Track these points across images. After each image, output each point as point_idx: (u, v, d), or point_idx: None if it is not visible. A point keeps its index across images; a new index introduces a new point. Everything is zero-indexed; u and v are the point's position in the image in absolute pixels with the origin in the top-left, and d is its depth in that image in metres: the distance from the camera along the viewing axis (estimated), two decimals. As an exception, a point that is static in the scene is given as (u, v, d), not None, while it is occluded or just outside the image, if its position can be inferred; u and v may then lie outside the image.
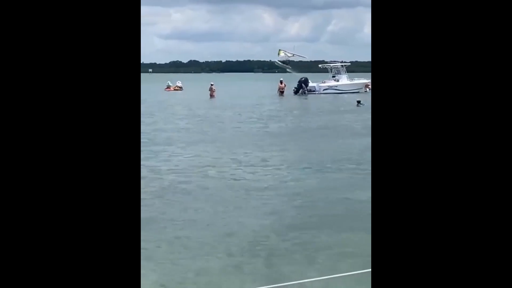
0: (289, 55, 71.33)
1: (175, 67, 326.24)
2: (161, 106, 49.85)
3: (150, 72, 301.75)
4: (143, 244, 4.95)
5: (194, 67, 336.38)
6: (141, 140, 24.25)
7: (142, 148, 23.69)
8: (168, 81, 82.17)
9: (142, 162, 19.67)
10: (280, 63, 70.39)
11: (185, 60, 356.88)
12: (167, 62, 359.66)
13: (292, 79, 72.17)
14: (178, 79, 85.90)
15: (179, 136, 27.83)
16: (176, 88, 79.61)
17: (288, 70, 71.92)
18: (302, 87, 69.37)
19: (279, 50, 71.42)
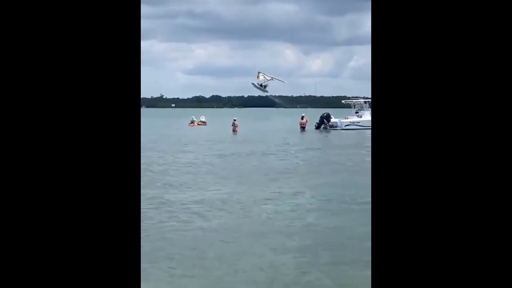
0: (267, 78, 71.00)
1: (198, 102, 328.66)
2: (185, 140, 50.05)
3: (173, 107, 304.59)
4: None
5: (216, 102, 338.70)
6: (168, 173, 23.56)
7: (168, 181, 23.97)
8: (193, 116, 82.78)
9: (168, 195, 19.97)
10: (257, 85, 70.13)
11: (207, 95, 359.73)
12: (190, 97, 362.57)
13: (315, 114, 72.22)
14: (201, 114, 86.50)
15: (205, 170, 27.73)
16: (200, 123, 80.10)
17: (265, 92, 71.65)
18: (324, 123, 69.25)
19: (258, 72, 71.24)
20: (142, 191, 19.53)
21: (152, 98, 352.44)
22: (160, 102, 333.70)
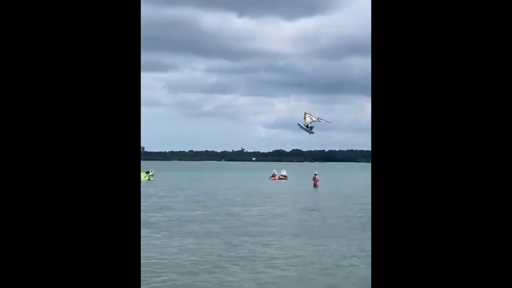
0: (313, 119, 69.42)
1: (278, 155, 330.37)
2: (267, 194, 50.30)
3: (254, 160, 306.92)
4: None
5: (297, 156, 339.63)
6: (252, 227, 22.87)
7: (255, 234, 24.08)
8: (274, 170, 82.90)
9: (257, 247, 20.08)
10: (303, 126, 68.07)
11: (288, 149, 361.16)
12: (270, 150, 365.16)
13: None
14: (281, 168, 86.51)
15: (290, 225, 27.92)
16: (281, 177, 79.72)
17: (311, 133, 69.22)
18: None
19: (305, 113, 69.15)
20: (231, 245, 19.65)
21: (232, 152, 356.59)
22: (240, 156, 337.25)
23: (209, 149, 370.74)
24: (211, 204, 37.14)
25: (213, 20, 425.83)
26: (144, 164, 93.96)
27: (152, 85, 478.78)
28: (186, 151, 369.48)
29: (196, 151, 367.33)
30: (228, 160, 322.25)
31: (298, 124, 67.21)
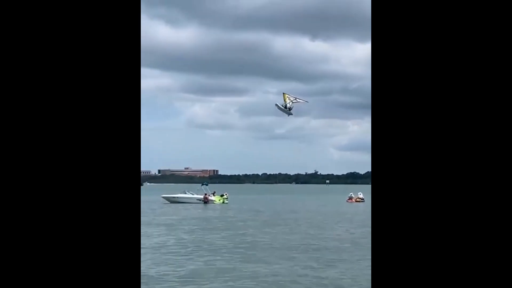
0: (292, 99, 64.61)
1: (352, 178, 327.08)
2: (346, 216, 48.37)
3: (328, 183, 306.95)
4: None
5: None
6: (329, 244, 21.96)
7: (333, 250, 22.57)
8: (351, 193, 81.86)
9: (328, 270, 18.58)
10: (281, 107, 63.13)
11: (362, 171, 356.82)
12: (344, 173, 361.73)
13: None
14: (356, 190, 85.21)
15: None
16: (358, 199, 78.85)
17: (290, 115, 63.93)
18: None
19: (283, 94, 64.35)
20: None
21: (306, 174, 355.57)
22: (314, 178, 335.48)
23: (283, 172, 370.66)
24: (301, 228, 35.60)
25: (285, 43, 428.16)
26: (218, 187, 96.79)
27: (224, 108, 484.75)
28: (260, 174, 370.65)
29: (270, 174, 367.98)
30: (301, 183, 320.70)
31: (276, 104, 62.79)
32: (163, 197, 71.50)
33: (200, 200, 68.25)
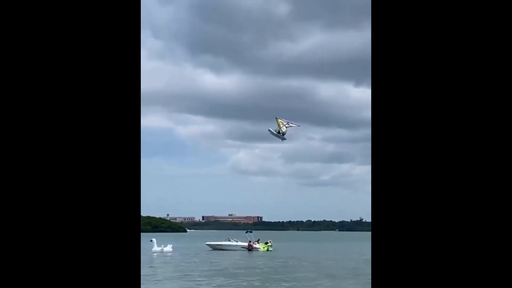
0: (285, 124, 61.68)
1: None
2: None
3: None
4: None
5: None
6: None
7: None
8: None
9: None
10: (274, 132, 60.34)
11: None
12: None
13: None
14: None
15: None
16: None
17: (283, 140, 60.96)
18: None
19: (276, 118, 61.68)
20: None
21: (351, 221, 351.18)
22: (359, 226, 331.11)
23: (327, 219, 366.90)
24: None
25: (329, 90, 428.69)
26: (262, 234, 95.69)
27: (268, 155, 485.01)
28: (304, 221, 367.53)
29: (314, 221, 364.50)
30: (346, 230, 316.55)
31: (269, 130, 60.60)
32: (207, 245, 70.96)
33: (244, 247, 67.50)
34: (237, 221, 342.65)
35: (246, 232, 74.67)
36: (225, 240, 72.15)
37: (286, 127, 57.80)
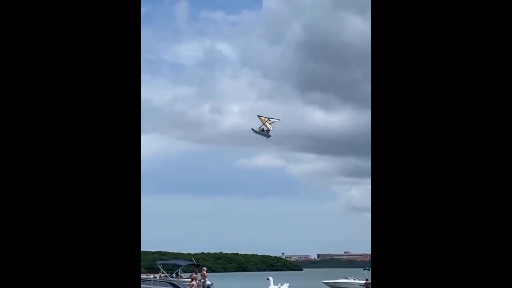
0: (266, 120, 54.95)
1: None
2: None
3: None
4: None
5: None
6: None
7: None
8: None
9: None
10: (257, 130, 54.06)
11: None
12: None
13: None
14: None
15: None
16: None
17: (268, 137, 54.33)
18: None
19: (258, 116, 55.15)
20: None
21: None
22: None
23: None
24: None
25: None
26: None
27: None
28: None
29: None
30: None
31: (252, 129, 55.18)
32: (324, 283, 69.77)
33: (362, 285, 65.79)
34: (353, 259, 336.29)
35: (364, 269, 72.90)
36: (342, 278, 70.73)
37: (270, 123, 53.91)
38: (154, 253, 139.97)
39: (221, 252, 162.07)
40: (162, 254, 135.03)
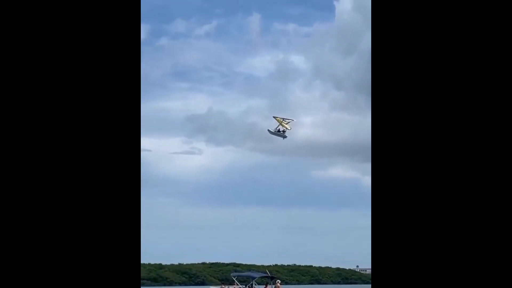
0: (282, 120, 51.48)
1: None
2: None
3: None
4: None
5: None
6: None
7: None
8: None
9: None
10: (273, 132, 51.09)
11: None
12: None
13: None
14: None
15: None
16: None
17: (284, 137, 51.03)
18: None
19: (274, 117, 52.17)
20: None
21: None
22: None
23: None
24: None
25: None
26: None
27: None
28: None
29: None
30: None
31: (268, 130, 52.85)
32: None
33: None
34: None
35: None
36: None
37: (286, 124, 52.30)
38: (227, 264, 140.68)
39: (294, 264, 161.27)
40: (236, 266, 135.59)
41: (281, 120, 53.15)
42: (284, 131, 54.11)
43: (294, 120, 57.01)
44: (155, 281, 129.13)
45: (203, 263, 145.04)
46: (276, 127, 53.57)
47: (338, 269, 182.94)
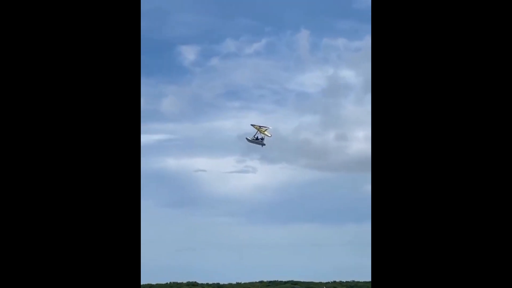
0: (260, 127, 48.70)
1: None
2: None
3: None
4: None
5: None
6: None
7: None
8: None
9: None
10: (251, 140, 48.83)
11: None
12: None
13: None
14: None
15: None
16: None
17: (263, 145, 48.55)
18: None
19: (252, 125, 49.71)
20: None
21: None
22: None
23: None
24: None
25: None
26: None
27: None
28: None
29: None
30: None
31: (246, 138, 51.39)
32: None
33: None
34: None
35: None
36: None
37: (264, 131, 51.15)
38: (285, 282, 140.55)
39: (353, 281, 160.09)
40: (294, 284, 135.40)
41: (259, 127, 53.19)
42: (262, 139, 54.29)
43: (270, 127, 56.93)
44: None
45: (261, 282, 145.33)
46: (254, 134, 53.71)
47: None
